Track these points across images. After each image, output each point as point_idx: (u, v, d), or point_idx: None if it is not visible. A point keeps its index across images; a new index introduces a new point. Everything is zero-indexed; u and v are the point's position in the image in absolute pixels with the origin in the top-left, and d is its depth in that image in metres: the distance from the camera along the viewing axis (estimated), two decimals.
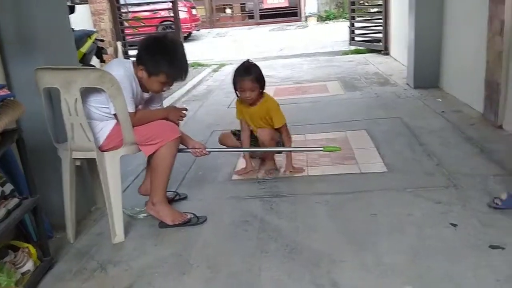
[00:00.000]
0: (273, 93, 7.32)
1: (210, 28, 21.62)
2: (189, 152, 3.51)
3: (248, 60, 3.81)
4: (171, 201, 3.65)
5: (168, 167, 3.33)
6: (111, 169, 3.11)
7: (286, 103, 6.71)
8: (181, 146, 3.37)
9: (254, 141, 3.98)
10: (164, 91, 3.26)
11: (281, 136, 3.94)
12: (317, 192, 3.77)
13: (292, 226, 3.25)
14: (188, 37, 17.35)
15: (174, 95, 7.96)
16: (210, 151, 3.57)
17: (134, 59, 3.21)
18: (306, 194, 3.77)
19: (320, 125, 5.48)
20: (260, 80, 3.81)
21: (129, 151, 3.22)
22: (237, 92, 3.88)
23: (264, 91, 3.87)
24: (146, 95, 3.29)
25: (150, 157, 3.34)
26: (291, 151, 4.03)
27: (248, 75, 3.80)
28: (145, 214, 3.57)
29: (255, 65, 3.81)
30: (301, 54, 12.06)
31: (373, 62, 9.80)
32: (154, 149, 3.25)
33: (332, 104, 6.71)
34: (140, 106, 3.30)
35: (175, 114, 3.44)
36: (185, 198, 3.89)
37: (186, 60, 3.14)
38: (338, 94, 7.36)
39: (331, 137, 4.90)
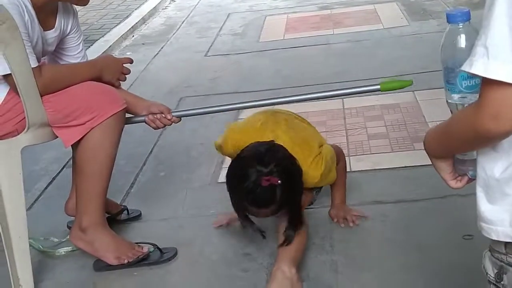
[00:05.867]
0: (284, 27, 6.29)
1: None
2: (142, 122, 2.79)
3: (260, 145, 2.46)
4: (113, 222, 2.98)
5: (106, 165, 2.62)
6: (7, 171, 2.52)
7: (305, 44, 5.81)
8: (127, 115, 2.80)
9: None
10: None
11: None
12: (367, 200, 3.02)
13: (323, 263, 2.62)
14: None
15: (108, 37, 6.59)
16: (179, 116, 2.80)
17: None
18: (347, 204, 2.99)
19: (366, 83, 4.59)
20: (290, 199, 2.46)
21: (37, 139, 2.60)
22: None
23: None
24: (51, 34, 2.58)
25: (74, 149, 2.70)
26: (321, 97, 3.02)
27: (267, 204, 2.41)
28: (69, 248, 2.91)
29: (281, 168, 2.38)
30: None
31: None
32: (81, 134, 2.56)
33: (388, 44, 5.50)
34: (44, 59, 2.64)
35: (113, 70, 2.68)
36: (137, 217, 3.14)
37: None
38: (398, 26, 5.98)
39: (388, 103, 4.04)
